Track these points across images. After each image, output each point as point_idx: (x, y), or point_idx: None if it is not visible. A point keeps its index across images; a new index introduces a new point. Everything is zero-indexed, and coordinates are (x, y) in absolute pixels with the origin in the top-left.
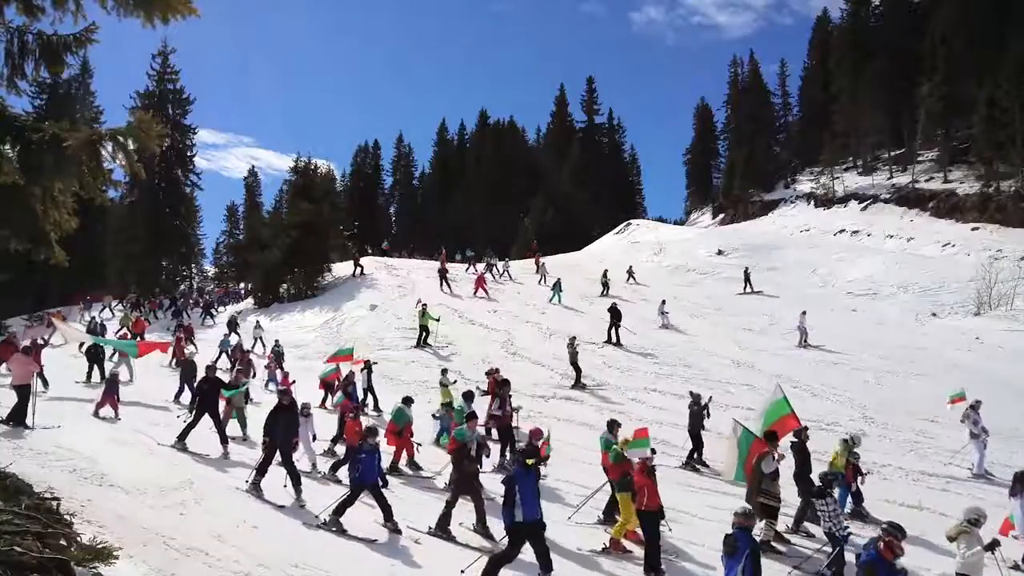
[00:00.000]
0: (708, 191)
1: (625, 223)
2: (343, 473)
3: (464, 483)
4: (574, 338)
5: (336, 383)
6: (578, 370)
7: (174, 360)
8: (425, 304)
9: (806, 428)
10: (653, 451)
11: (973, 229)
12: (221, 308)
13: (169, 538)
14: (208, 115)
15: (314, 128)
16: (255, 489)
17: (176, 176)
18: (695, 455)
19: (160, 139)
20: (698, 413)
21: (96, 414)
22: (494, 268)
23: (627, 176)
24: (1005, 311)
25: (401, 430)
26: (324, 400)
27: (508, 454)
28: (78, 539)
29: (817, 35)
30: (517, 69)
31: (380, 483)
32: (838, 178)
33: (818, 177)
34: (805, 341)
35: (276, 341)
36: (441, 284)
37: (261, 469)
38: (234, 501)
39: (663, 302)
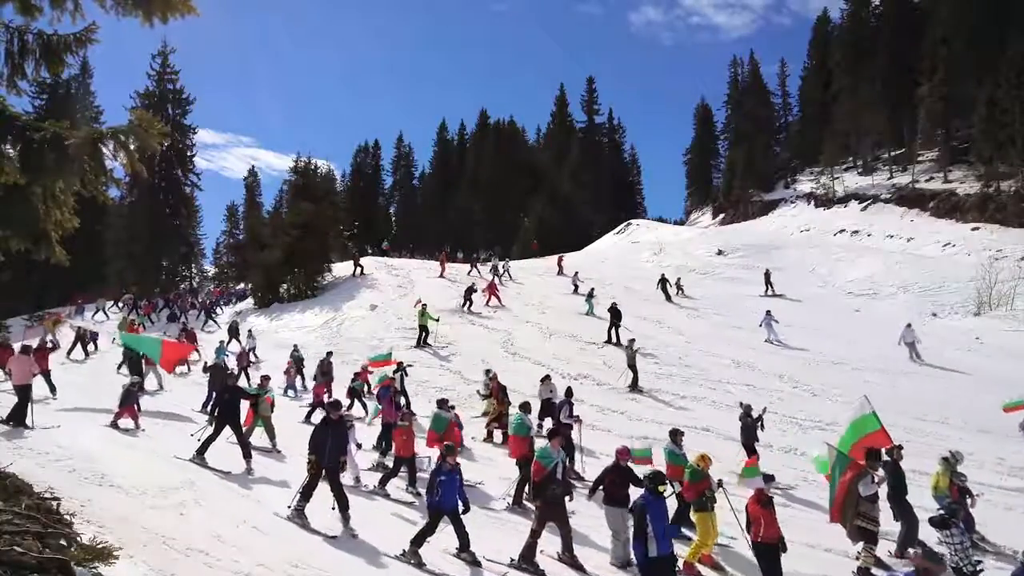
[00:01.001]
0: (708, 191)
1: (625, 223)
2: (392, 483)
3: (550, 510)
4: (632, 340)
5: (363, 387)
6: (635, 372)
7: (204, 364)
8: (425, 304)
9: (900, 447)
10: (768, 477)
11: (973, 229)
12: (220, 310)
13: (169, 538)
14: (207, 115)
15: (314, 128)
16: (299, 516)
17: (176, 176)
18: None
19: (161, 138)
20: (751, 425)
21: (114, 424)
22: (499, 269)
23: (627, 176)
24: (1005, 311)
25: (442, 436)
26: (350, 407)
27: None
28: (78, 539)
29: (817, 35)
30: (517, 69)
31: (461, 508)
32: (838, 178)
33: (818, 177)
34: (916, 355)
35: (295, 347)
36: (465, 303)
37: (306, 493)
38: (234, 501)
39: (768, 313)
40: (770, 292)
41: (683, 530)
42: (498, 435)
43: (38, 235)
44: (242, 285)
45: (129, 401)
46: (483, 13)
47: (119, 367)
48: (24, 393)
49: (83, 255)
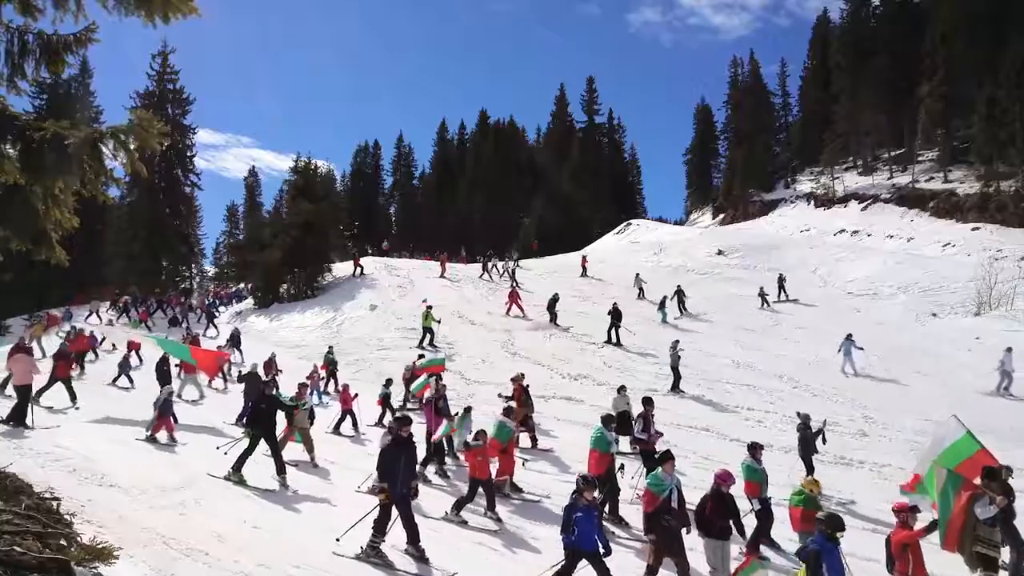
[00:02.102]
0: (708, 191)
1: (625, 223)
2: (463, 505)
3: (666, 543)
4: (676, 342)
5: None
6: (677, 375)
7: (238, 373)
8: (430, 306)
9: (1007, 468)
10: (913, 507)
11: (973, 229)
12: (221, 310)
13: (169, 538)
14: (207, 115)
15: (314, 128)
16: (376, 554)
17: (176, 176)
18: None
19: (161, 137)
20: (810, 438)
21: (151, 438)
22: (513, 271)
23: (627, 176)
24: (1005, 311)
25: (506, 447)
26: (381, 418)
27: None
28: (78, 539)
29: (817, 35)
30: (517, 69)
31: (603, 550)
32: (838, 178)
33: (818, 177)
34: (1006, 388)
35: (330, 348)
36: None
37: (380, 527)
38: (234, 501)
39: (849, 337)
40: (784, 298)
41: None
42: (523, 439)
43: (38, 235)
44: (242, 285)
45: (166, 412)
46: (483, 13)
47: (114, 380)
48: (24, 393)
49: (83, 255)
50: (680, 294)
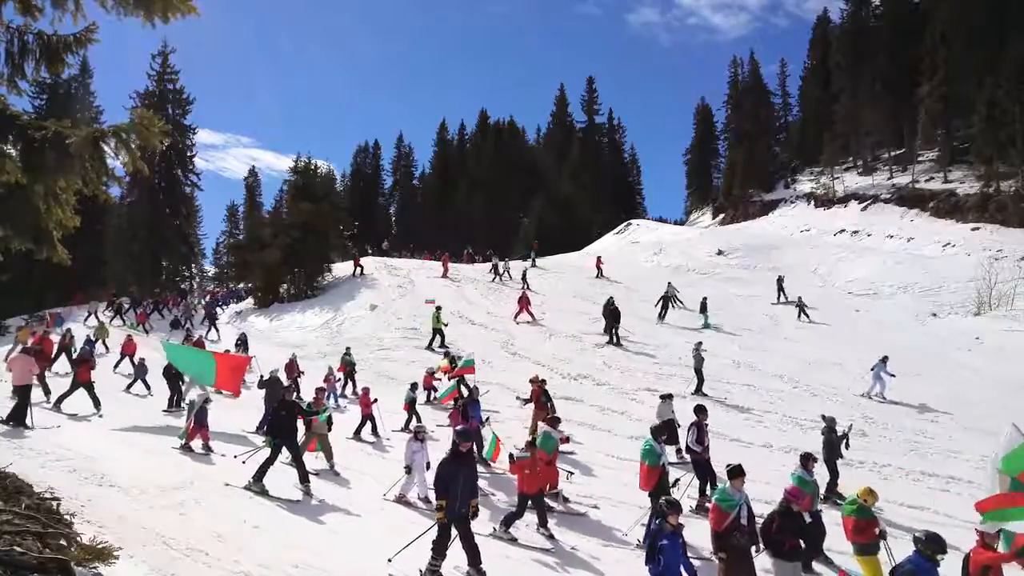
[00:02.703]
0: (708, 191)
1: (625, 223)
2: (513, 521)
3: (736, 564)
4: (699, 344)
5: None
6: (700, 377)
7: (259, 379)
8: (439, 307)
9: None
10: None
11: (973, 229)
12: (219, 309)
13: (169, 538)
14: (206, 115)
15: (314, 128)
16: None
17: (176, 176)
18: (834, 487)
19: (162, 136)
20: (836, 442)
21: (186, 447)
22: (524, 273)
23: (627, 176)
24: (1005, 311)
25: (552, 458)
26: (407, 423)
27: (709, 490)
28: (78, 539)
29: (817, 35)
30: (517, 69)
31: None
32: (838, 178)
33: (818, 177)
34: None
35: (347, 349)
36: (516, 315)
37: (439, 549)
38: (234, 501)
39: (883, 359)
40: (782, 299)
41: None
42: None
43: (39, 234)
44: (242, 285)
45: (202, 419)
46: (482, 14)
47: (129, 386)
48: (24, 393)
49: (83, 255)
50: (670, 296)
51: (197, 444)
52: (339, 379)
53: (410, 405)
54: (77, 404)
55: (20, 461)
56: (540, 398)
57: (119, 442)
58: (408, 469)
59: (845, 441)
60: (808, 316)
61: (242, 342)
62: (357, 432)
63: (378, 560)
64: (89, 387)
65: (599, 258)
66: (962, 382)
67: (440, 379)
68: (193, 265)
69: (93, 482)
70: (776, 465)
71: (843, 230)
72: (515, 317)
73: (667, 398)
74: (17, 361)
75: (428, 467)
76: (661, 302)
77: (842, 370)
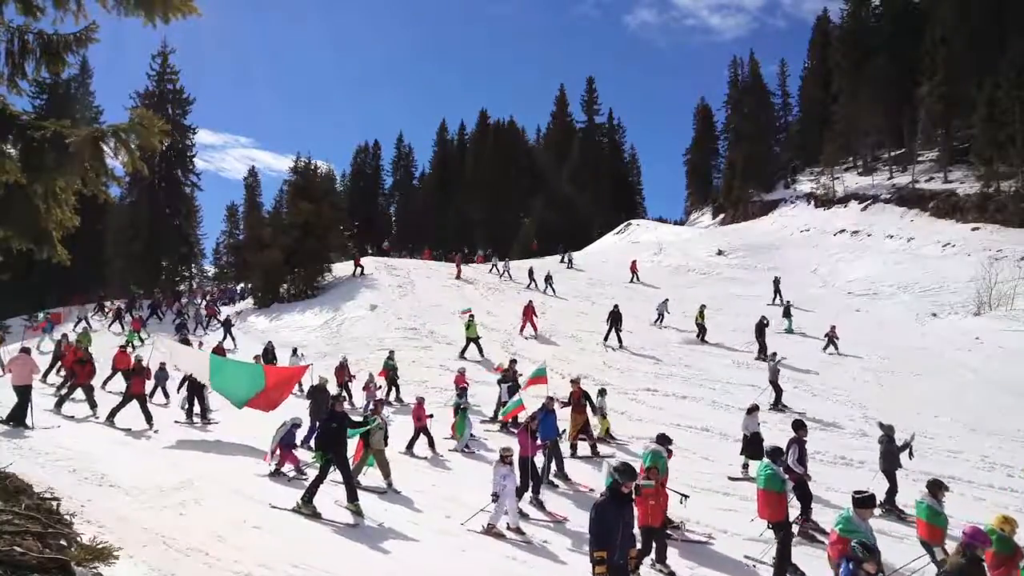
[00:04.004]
0: (708, 191)
1: (625, 223)
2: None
3: None
4: (774, 354)
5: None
6: (779, 390)
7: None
8: (472, 315)
9: None
10: None
11: (973, 229)
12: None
13: (169, 538)
14: (205, 115)
15: (314, 128)
16: None
17: (176, 176)
18: (893, 498)
19: (162, 135)
20: (895, 451)
21: (277, 472)
22: (548, 276)
23: (627, 176)
24: (1005, 311)
25: (665, 480)
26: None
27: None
28: (78, 539)
29: (817, 35)
30: (517, 69)
31: None
32: (838, 178)
33: (818, 177)
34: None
35: (391, 353)
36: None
37: None
38: (234, 501)
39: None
40: (778, 301)
41: None
42: (583, 447)
43: (40, 235)
44: (241, 285)
45: (290, 442)
46: (481, 15)
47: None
48: (24, 394)
49: (83, 255)
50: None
51: (289, 469)
52: (379, 386)
53: (458, 411)
54: (132, 420)
55: (20, 461)
56: (579, 400)
57: (119, 442)
58: (496, 496)
59: (909, 451)
60: (836, 347)
61: (270, 353)
62: (410, 446)
63: (379, 558)
64: (142, 400)
65: (634, 262)
66: (962, 382)
67: (469, 382)
68: (193, 265)
69: (93, 482)
70: None
71: (843, 230)
72: (521, 330)
73: (753, 410)
74: (17, 362)
75: (518, 493)
76: (658, 316)
77: (842, 370)
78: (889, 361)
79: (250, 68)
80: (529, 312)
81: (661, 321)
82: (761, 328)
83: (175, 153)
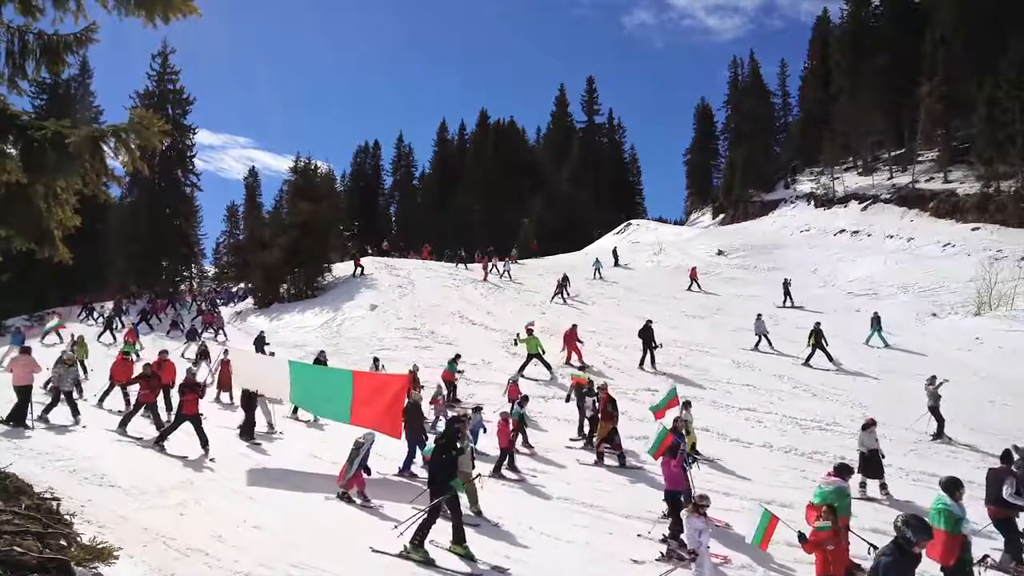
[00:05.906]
0: (708, 191)
1: (625, 223)
2: None
3: None
4: (934, 377)
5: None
6: (940, 418)
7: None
8: (531, 329)
9: None
10: None
11: (973, 229)
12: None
13: (169, 538)
14: (204, 115)
15: (313, 128)
16: None
17: (176, 176)
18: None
19: (162, 135)
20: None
21: (344, 495)
22: (567, 287)
23: (627, 176)
24: (1005, 311)
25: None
26: (522, 442)
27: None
28: (78, 539)
29: (817, 35)
30: (517, 69)
31: None
32: (838, 178)
33: (818, 177)
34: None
35: (456, 356)
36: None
37: None
38: (234, 501)
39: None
40: (788, 303)
41: None
42: (610, 457)
43: (42, 235)
44: (240, 285)
45: (362, 464)
46: (481, 16)
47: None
48: (24, 394)
49: (83, 255)
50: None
51: (355, 493)
52: (445, 395)
53: (520, 423)
54: (187, 447)
55: (20, 461)
56: (607, 407)
57: (119, 442)
58: (694, 555)
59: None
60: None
61: (260, 341)
62: (497, 469)
63: (379, 558)
64: (196, 422)
65: (694, 268)
66: (962, 382)
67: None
68: (193, 265)
69: (93, 482)
70: (776, 465)
71: (843, 230)
72: (567, 361)
73: (869, 425)
74: (18, 362)
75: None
76: (759, 338)
77: (842, 370)
78: (889, 361)
79: (250, 68)
80: (572, 339)
81: (761, 343)
82: (818, 333)
83: (175, 153)
